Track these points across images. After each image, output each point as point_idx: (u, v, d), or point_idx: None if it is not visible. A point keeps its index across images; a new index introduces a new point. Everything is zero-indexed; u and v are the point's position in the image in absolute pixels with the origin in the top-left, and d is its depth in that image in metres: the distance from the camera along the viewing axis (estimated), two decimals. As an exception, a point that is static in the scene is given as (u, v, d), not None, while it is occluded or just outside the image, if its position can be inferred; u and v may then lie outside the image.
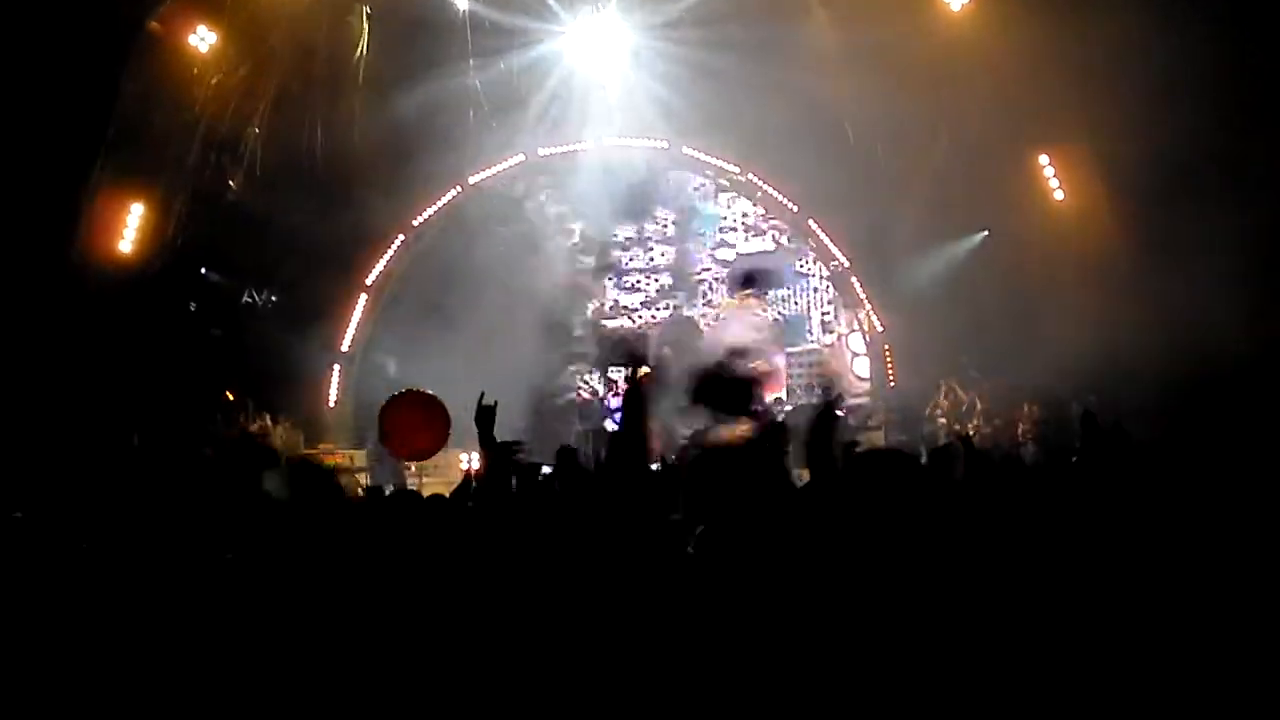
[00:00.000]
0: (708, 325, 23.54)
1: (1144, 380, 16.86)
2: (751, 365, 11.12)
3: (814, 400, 23.45)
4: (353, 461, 21.23)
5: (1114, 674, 3.84)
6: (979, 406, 22.05)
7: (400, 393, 15.89)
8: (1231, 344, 15.41)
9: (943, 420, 22.34)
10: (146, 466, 18.18)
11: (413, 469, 21.48)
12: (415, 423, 14.64)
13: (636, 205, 23.46)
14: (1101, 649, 3.88)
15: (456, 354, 22.13)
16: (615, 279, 26.04)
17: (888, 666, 3.60)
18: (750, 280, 15.19)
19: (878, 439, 21.95)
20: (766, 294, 13.65)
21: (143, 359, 19.06)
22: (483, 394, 5.85)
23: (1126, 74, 16.29)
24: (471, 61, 21.11)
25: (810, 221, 25.39)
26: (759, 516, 4.03)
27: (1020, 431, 21.12)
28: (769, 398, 17.95)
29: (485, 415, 5.78)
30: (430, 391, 15.88)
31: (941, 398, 22.58)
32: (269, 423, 21.18)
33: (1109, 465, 5.69)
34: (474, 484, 7.35)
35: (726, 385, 4.18)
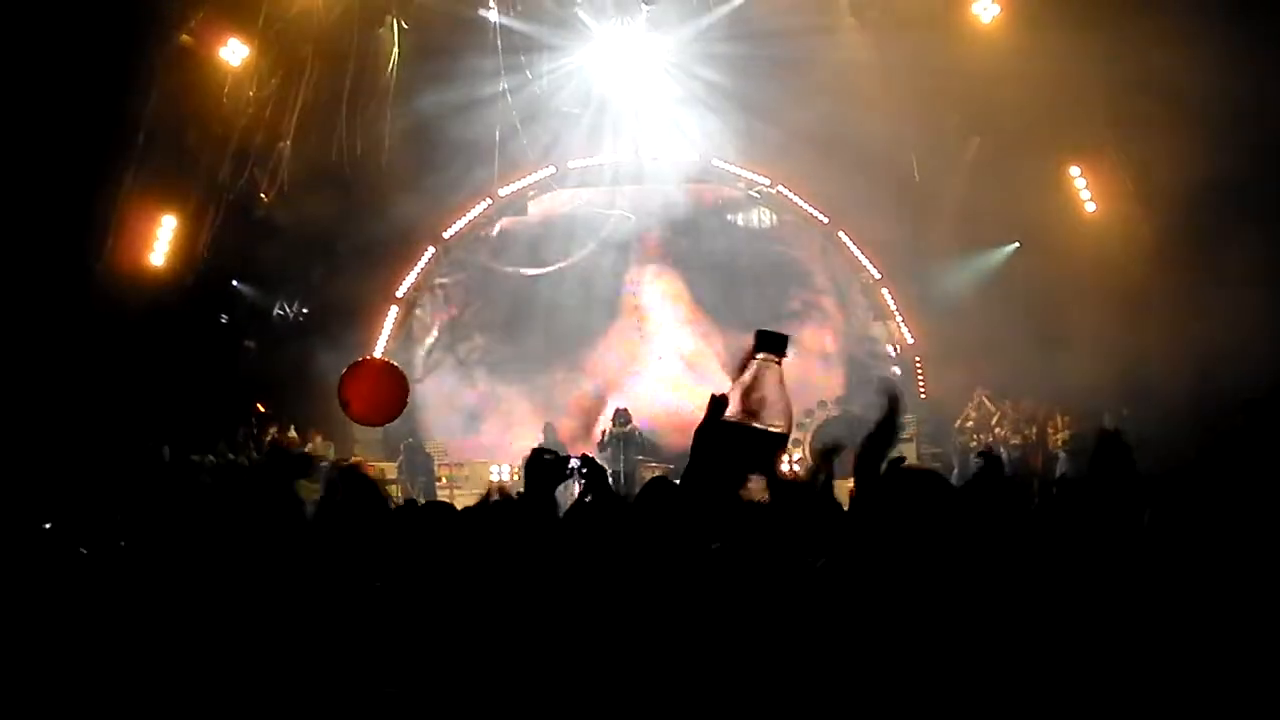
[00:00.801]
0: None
1: (1174, 395, 16.77)
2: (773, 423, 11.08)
3: (848, 411, 23.60)
4: (383, 474, 21.24)
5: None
6: (1009, 417, 21.97)
7: (360, 360, 16.08)
8: (1263, 364, 15.26)
9: (975, 433, 22.26)
10: (177, 479, 18.26)
11: (443, 480, 21.53)
12: (375, 388, 14.64)
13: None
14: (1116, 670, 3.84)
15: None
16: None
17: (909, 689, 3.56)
18: (770, 343, 15.02)
19: (909, 451, 21.88)
20: (784, 356, 13.47)
21: (174, 371, 19.13)
22: (566, 459, 5.77)
23: (1157, 86, 16.23)
24: (502, 74, 21.13)
25: (841, 233, 25.34)
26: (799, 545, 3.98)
27: (1054, 444, 21.03)
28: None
29: (557, 467, 5.70)
30: (391, 360, 16.06)
31: (972, 409, 22.51)
32: (294, 434, 21.25)
33: (1117, 488, 5.59)
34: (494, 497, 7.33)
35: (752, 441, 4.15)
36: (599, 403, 24.57)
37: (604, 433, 22.90)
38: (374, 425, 18.71)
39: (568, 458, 5.70)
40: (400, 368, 16.18)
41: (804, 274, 25.95)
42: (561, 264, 24.72)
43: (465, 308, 25.38)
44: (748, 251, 25.48)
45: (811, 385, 24.97)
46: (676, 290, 25.02)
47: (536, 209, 25.22)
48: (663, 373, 24.76)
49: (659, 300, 25.06)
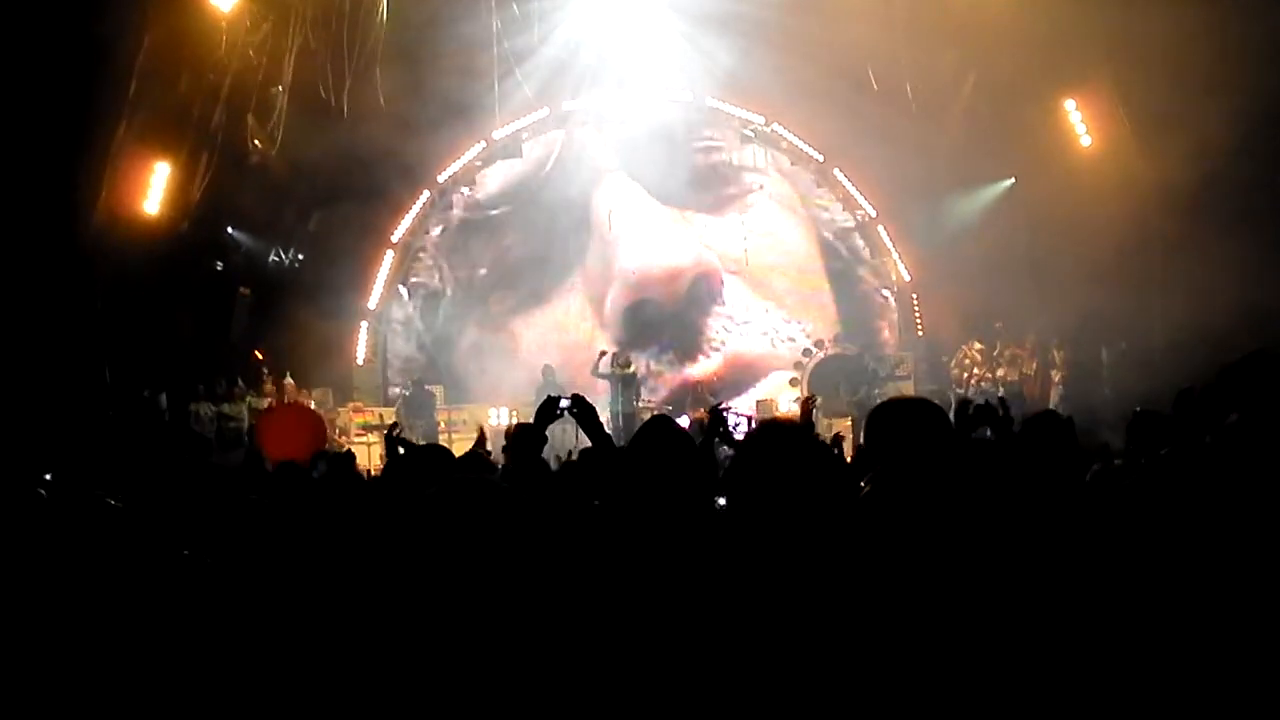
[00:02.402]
0: None
1: (1172, 329, 16.77)
2: None
3: (845, 349, 23.68)
4: (382, 419, 21.28)
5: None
6: (1005, 357, 21.98)
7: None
8: (1262, 299, 15.22)
9: (976, 370, 22.27)
10: (173, 427, 18.27)
11: (442, 425, 21.55)
12: (291, 431, 15.15)
13: None
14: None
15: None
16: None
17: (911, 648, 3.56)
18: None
19: (907, 389, 21.93)
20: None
21: (170, 319, 19.13)
22: (557, 399, 5.69)
23: (1155, 19, 16.11)
24: (495, 14, 20.98)
25: (836, 171, 25.26)
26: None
27: (1054, 379, 21.06)
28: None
29: (548, 407, 5.63)
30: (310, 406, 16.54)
31: (973, 350, 22.50)
32: (290, 382, 21.29)
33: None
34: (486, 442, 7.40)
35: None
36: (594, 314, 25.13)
37: (601, 360, 22.95)
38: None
39: (559, 398, 5.63)
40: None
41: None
42: (528, 204, 24.93)
43: (451, 256, 25.46)
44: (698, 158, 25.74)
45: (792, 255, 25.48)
46: (630, 187, 25.16)
47: (531, 151, 25.14)
48: (628, 259, 25.09)
49: (615, 202, 25.18)
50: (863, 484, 4.76)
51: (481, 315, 25.13)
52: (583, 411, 5.43)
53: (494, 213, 25.27)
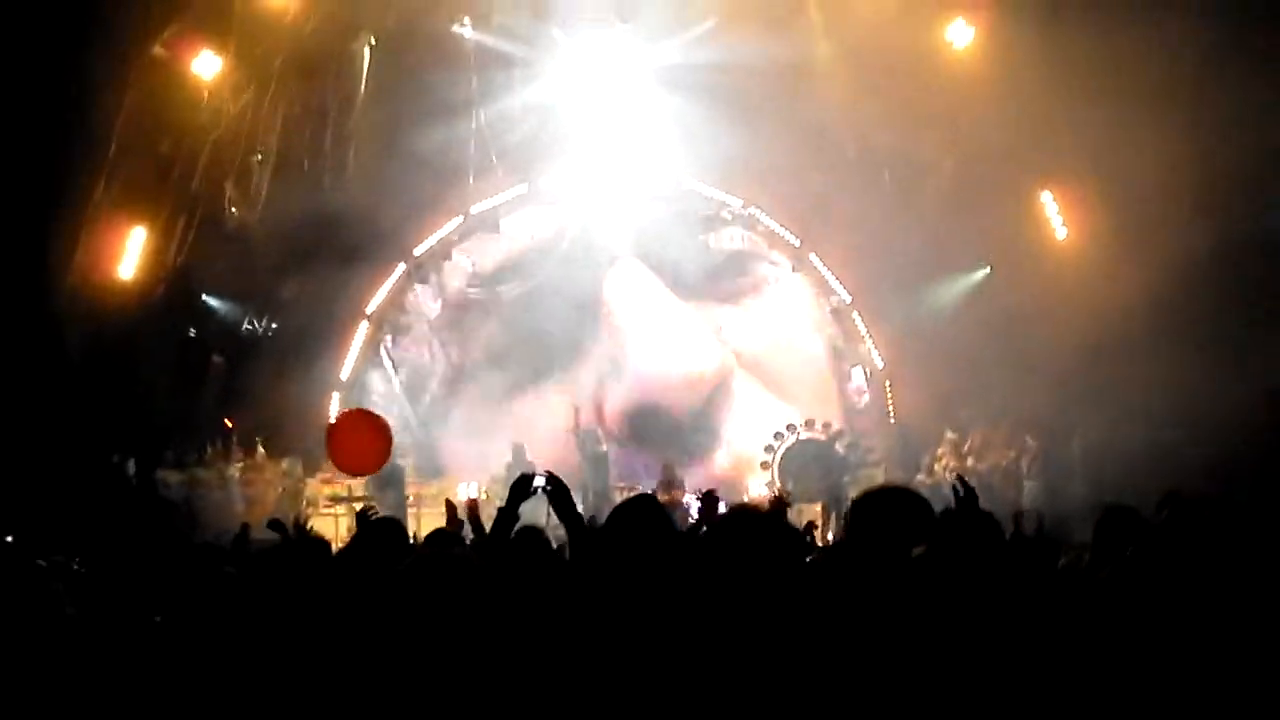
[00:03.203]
0: None
1: (1146, 420, 16.83)
2: None
3: (816, 434, 23.54)
4: (350, 491, 21.07)
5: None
6: (975, 447, 21.89)
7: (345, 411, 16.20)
8: (1232, 393, 15.29)
9: (948, 461, 22.14)
10: (142, 494, 18.17)
11: (411, 498, 21.38)
12: (360, 438, 14.74)
13: None
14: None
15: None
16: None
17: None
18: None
19: (878, 475, 21.86)
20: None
21: (141, 385, 19.04)
22: (530, 477, 5.69)
23: (1131, 113, 16.26)
24: (475, 91, 21.09)
25: (812, 256, 25.28)
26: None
27: (1023, 467, 20.97)
28: None
29: (521, 485, 5.61)
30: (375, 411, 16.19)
31: (945, 443, 22.39)
32: (262, 451, 21.18)
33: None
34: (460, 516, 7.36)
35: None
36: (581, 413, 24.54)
37: (577, 417, 22.82)
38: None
39: (533, 475, 5.62)
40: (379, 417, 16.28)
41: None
42: (529, 284, 24.69)
43: (444, 333, 25.36)
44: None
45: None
46: (646, 278, 24.96)
47: (509, 226, 25.09)
48: (643, 361, 24.59)
49: (630, 292, 24.95)
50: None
51: (473, 395, 24.92)
52: (556, 490, 5.39)
53: (494, 290, 25.15)
